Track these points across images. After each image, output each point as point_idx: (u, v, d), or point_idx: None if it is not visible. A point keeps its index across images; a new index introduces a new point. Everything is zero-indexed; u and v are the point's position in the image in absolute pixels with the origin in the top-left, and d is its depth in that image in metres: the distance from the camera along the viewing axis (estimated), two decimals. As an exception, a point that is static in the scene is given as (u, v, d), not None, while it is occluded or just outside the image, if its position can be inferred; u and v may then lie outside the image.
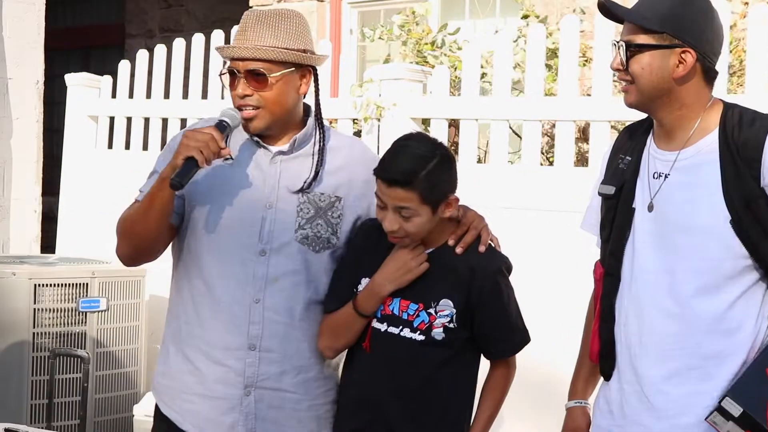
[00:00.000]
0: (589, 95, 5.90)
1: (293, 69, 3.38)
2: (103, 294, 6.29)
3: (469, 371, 3.37)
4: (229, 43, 3.41)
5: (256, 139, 3.42)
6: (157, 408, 3.56)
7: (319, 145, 3.47)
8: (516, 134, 6.27)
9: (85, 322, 6.23)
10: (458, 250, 3.30)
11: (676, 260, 3.03)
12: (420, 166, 3.16)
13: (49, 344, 6.01)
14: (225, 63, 3.43)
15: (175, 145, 3.37)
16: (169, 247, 3.54)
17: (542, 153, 6.07)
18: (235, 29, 3.44)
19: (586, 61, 6.38)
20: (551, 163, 6.05)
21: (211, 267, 3.41)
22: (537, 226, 5.41)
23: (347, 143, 3.64)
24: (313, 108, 3.53)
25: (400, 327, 3.28)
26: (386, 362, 3.29)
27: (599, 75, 5.62)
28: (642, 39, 3.01)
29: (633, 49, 3.02)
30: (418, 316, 3.27)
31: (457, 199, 3.27)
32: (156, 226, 3.35)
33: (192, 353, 3.44)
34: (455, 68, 6.66)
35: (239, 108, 3.36)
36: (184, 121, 7.46)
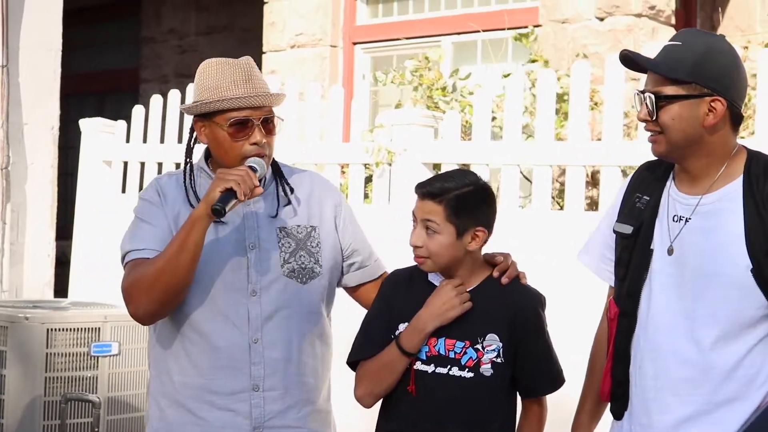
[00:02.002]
0: (599, 140, 5.90)
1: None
2: (115, 338, 6.25)
3: (512, 412, 3.36)
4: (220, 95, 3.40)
5: None
6: None
7: (278, 178, 3.51)
8: (527, 179, 6.27)
9: (97, 366, 6.19)
10: (504, 280, 3.32)
11: (696, 306, 3.03)
12: (455, 186, 3.22)
13: (61, 389, 5.98)
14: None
15: (152, 194, 3.45)
16: None
17: (553, 198, 6.07)
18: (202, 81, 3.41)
19: (594, 105, 6.38)
20: (561, 208, 6.05)
21: (204, 316, 3.40)
22: (547, 271, 5.40)
23: (306, 175, 3.67)
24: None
25: (448, 366, 3.26)
26: (435, 403, 3.27)
27: (609, 119, 5.64)
28: (671, 90, 3.00)
29: (662, 101, 3.01)
30: (465, 353, 3.26)
31: (486, 234, 3.28)
32: (189, 271, 3.29)
33: (193, 404, 3.42)
34: (465, 112, 6.67)
35: (257, 155, 3.36)
36: (196, 166, 7.45)
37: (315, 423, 3.51)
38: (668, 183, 3.18)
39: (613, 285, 3.31)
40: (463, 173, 3.38)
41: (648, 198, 3.20)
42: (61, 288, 8.48)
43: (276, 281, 3.42)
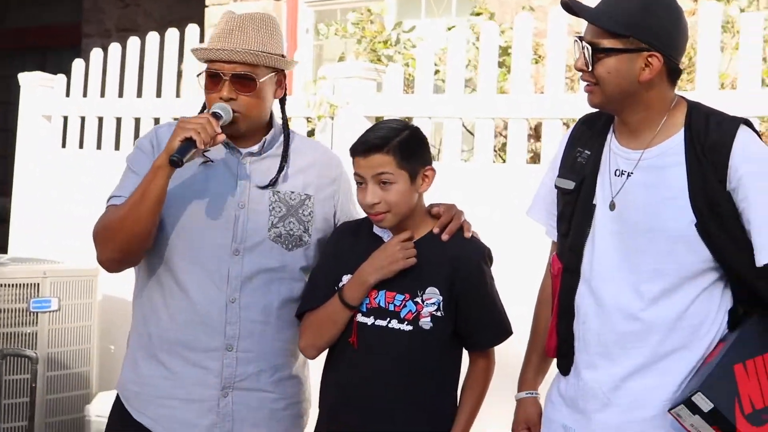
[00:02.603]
0: (542, 93, 5.86)
1: (273, 74, 3.40)
2: (54, 294, 6.23)
3: (454, 365, 3.35)
4: (198, 43, 3.38)
5: (225, 140, 3.38)
6: (123, 414, 3.49)
7: (285, 146, 3.47)
8: (469, 132, 6.23)
9: (37, 322, 6.16)
10: (444, 236, 3.30)
11: (640, 261, 3.02)
12: (394, 133, 3.22)
13: (1, 344, 5.93)
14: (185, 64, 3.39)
15: (144, 145, 3.42)
16: None
17: (496, 151, 6.03)
18: (198, 31, 3.40)
19: (538, 58, 6.34)
20: (504, 161, 6.02)
21: (185, 269, 3.39)
22: (490, 224, 5.37)
23: (311, 145, 3.67)
24: (277, 111, 3.56)
25: (388, 319, 3.26)
26: (374, 356, 3.26)
27: (552, 73, 5.59)
28: (608, 42, 2.98)
29: (599, 53, 2.98)
30: (405, 306, 3.25)
31: (434, 171, 3.29)
32: (150, 220, 3.28)
33: (166, 358, 3.40)
34: (409, 66, 6.61)
35: None
36: (138, 120, 7.38)
37: (287, 389, 3.49)
38: (609, 137, 3.16)
39: (556, 240, 3.29)
40: (390, 121, 3.40)
41: (589, 152, 3.18)
42: (1, 244, 8.37)
43: (261, 244, 3.39)
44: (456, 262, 3.27)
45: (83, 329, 6.42)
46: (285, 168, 3.44)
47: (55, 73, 8.12)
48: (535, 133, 6.24)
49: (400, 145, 3.20)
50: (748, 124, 3.05)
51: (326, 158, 3.60)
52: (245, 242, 3.38)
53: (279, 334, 3.43)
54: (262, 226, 3.40)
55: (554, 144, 5.42)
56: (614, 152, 3.12)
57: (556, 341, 3.22)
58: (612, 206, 3.07)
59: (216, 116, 3.26)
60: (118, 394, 3.54)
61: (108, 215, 3.37)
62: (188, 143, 3.17)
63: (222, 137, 3.24)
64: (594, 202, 3.12)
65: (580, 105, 5.34)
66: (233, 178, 3.42)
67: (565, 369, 3.21)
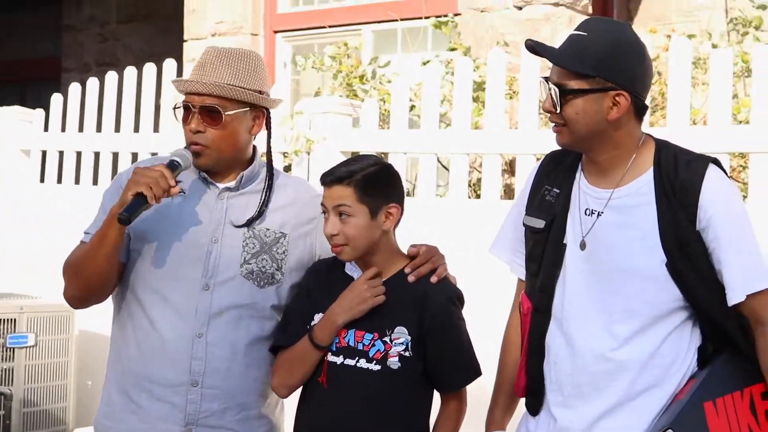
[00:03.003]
0: (516, 128, 5.87)
1: (247, 109, 3.38)
2: (31, 329, 6.20)
3: (424, 406, 3.33)
4: (177, 77, 3.39)
5: (203, 175, 3.40)
6: None
7: (266, 183, 3.45)
8: (444, 167, 6.23)
9: (13, 358, 6.13)
10: (410, 278, 3.28)
11: (612, 301, 3.02)
12: (359, 168, 3.21)
13: (-25, 380, 5.90)
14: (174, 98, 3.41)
15: (123, 182, 3.35)
16: None
17: (470, 186, 6.03)
18: (178, 67, 3.43)
19: (513, 94, 6.35)
20: (479, 196, 6.01)
21: (154, 303, 3.37)
22: (465, 260, 5.36)
23: (294, 182, 3.65)
24: (261, 148, 3.53)
25: (356, 358, 3.24)
26: (343, 396, 3.24)
27: (525, 108, 5.60)
28: (575, 83, 2.97)
29: (567, 94, 2.98)
30: (373, 345, 3.23)
31: (398, 209, 3.28)
32: (106, 265, 3.30)
33: (134, 392, 3.38)
34: (384, 101, 6.62)
35: (190, 143, 3.34)
36: (116, 155, 7.36)
37: (254, 429, 3.44)
38: (578, 175, 3.16)
39: (523, 279, 3.28)
40: (364, 156, 3.37)
41: (558, 190, 3.17)
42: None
43: (232, 279, 3.37)
44: (425, 302, 3.25)
45: (60, 365, 6.39)
46: (264, 207, 3.43)
47: (35, 107, 8.10)
48: (510, 168, 6.25)
49: (363, 180, 3.19)
50: (716, 163, 3.06)
51: (308, 197, 3.56)
52: (216, 277, 3.36)
53: (247, 372, 3.39)
54: (235, 262, 3.38)
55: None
56: (584, 191, 3.12)
57: (526, 381, 3.20)
58: (582, 245, 3.07)
59: (173, 165, 3.26)
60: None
61: (74, 253, 3.39)
62: (139, 198, 3.17)
63: (176, 190, 3.23)
64: (564, 242, 3.12)
65: (554, 141, 5.35)
66: (209, 213, 3.40)
67: (534, 409, 3.19)
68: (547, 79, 3.04)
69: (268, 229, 3.43)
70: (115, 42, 11.71)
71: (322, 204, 3.25)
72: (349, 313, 3.23)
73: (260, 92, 3.40)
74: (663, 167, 3.02)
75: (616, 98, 2.97)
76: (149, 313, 3.36)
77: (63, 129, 7.75)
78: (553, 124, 3.06)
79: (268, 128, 3.52)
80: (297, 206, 3.51)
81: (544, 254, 3.16)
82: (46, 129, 7.87)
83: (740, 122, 5.47)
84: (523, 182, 5.41)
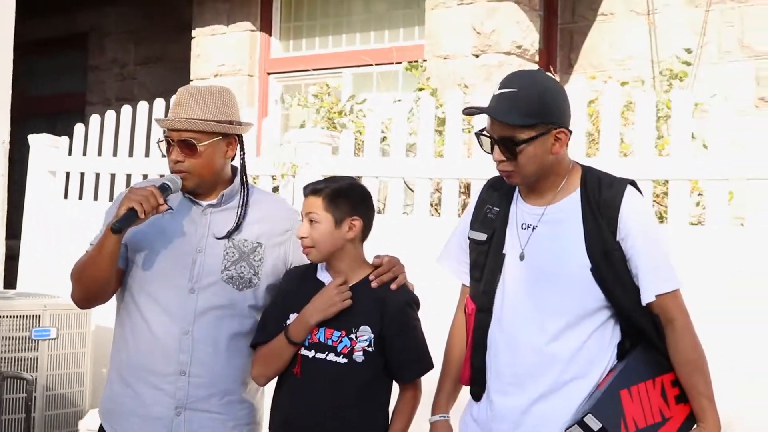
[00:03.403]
0: (471, 157, 5.85)
1: (220, 138, 3.37)
2: (53, 324, 6.15)
3: (385, 395, 3.31)
4: (168, 113, 3.39)
5: (188, 195, 3.42)
6: (101, 429, 3.48)
7: (243, 200, 3.44)
8: (410, 189, 6.20)
9: (38, 348, 6.08)
10: (373, 284, 3.27)
11: (544, 301, 3.01)
12: (333, 183, 3.25)
13: (4, 368, 5.84)
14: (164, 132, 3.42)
15: (117, 198, 3.42)
16: None
17: (432, 206, 6.00)
18: (173, 100, 3.41)
19: (470, 128, 6.32)
20: (439, 214, 5.99)
21: (148, 305, 3.37)
22: (427, 269, 5.33)
23: (270, 199, 3.65)
24: (239, 168, 3.52)
25: (326, 352, 3.22)
26: (314, 385, 3.21)
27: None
28: (524, 134, 2.94)
29: (519, 145, 2.94)
30: (341, 341, 3.21)
31: (360, 221, 3.26)
32: (104, 271, 3.28)
33: (133, 380, 3.38)
34: (360, 133, 6.60)
35: (173, 171, 3.36)
36: (129, 176, 7.31)
37: (236, 412, 3.42)
38: (515, 196, 3.16)
39: (467, 284, 3.27)
40: (343, 177, 3.37)
41: (498, 209, 3.16)
42: (10, 281, 8.26)
43: (214, 284, 3.36)
44: (385, 305, 3.25)
45: (78, 355, 6.35)
46: (241, 220, 3.42)
47: (64, 135, 8.05)
48: (467, 191, 6.22)
49: (331, 192, 3.22)
50: (633, 184, 3.08)
51: (281, 211, 3.56)
52: (200, 282, 3.36)
53: (229, 363, 3.38)
54: (216, 269, 3.38)
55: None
56: (520, 209, 3.12)
57: (470, 372, 3.18)
58: (522, 257, 3.06)
59: (163, 187, 3.28)
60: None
61: (79, 260, 3.39)
62: (131, 212, 3.18)
63: (164, 208, 3.24)
64: (504, 252, 3.11)
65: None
66: (194, 228, 3.41)
67: (477, 396, 3.18)
68: (483, 133, 3.03)
69: (246, 240, 3.42)
70: (132, 80, 11.66)
71: (300, 212, 3.28)
72: (321, 314, 3.22)
73: (230, 122, 3.39)
74: (588, 187, 3.04)
75: (558, 135, 2.98)
76: (144, 314, 3.37)
77: (84, 153, 7.70)
78: (503, 171, 3.04)
79: (242, 151, 3.51)
80: (272, 220, 3.50)
81: (486, 262, 3.15)
82: (70, 153, 7.82)
83: (661, 155, 5.47)
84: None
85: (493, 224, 3.15)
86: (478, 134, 3.06)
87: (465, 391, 3.28)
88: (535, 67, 7.80)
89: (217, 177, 3.42)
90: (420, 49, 8.06)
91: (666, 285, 3.01)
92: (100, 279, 3.30)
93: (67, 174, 7.83)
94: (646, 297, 2.99)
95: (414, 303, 3.32)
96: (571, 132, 3.03)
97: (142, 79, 11.57)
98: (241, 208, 3.43)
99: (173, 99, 3.42)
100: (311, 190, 3.24)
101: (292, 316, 3.27)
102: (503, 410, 3.07)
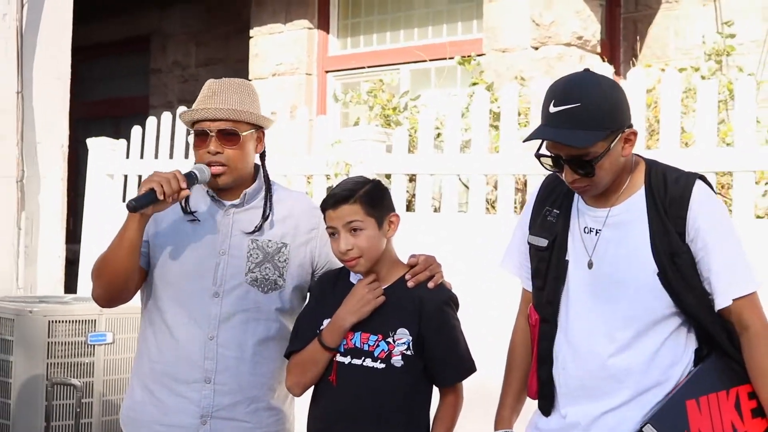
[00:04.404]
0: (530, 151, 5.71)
1: (253, 130, 3.29)
2: (109, 329, 6.12)
3: (425, 400, 3.16)
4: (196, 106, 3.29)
5: (211, 194, 3.30)
6: None
7: (267, 199, 3.34)
8: (465, 186, 6.09)
9: (94, 353, 6.05)
10: (409, 283, 3.13)
11: (612, 310, 2.83)
12: (358, 186, 3.09)
13: (62, 373, 5.84)
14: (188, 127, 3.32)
15: None
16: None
17: (488, 202, 5.88)
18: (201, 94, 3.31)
19: (527, 122, 6.18)
20: (496, 211, 5.86)
21: (171, 310, 3.27)
22: (484, 270, 5.21)
23: (293, 196, 3.50)
24: (261, 166, 3.42)
25: (363, 358, 3.08)
26: (351, 392, 3.08)
27: (536, 134, 5.43)
28: (597, 149, 2.72)
29: (597, 161, 2.74)
30: (378, 346, 3.08)
31: (398, 217, 3.14)
32: (125, 262, 3.16)
33: (156, 387, 3.28)
34: (414, 129, 6.49)
35: (209, 164, 3.23)
36: (186, 178, 7.29)
37: (263, 420, 3.31)
38: (575, 197, 2.96)
39: (529, 289, 3.10)
40: (352, 178, 3.21)
41: (558, 211, 2.98)
42: (70, 285, 8.31)
43: (238, 287, 3.25)
44: (422, 305, 3.10)
45: (133, 360, 6.30)
46: (266, 219, 3.32)
47: (127, 138, 8.08)
48: (523, 187, 6.09)
49: (365, 195, 3.06)
50: (702, 179, 2.87)
51: (305, 209, 3.43)
52: (224, 285, 3.25)
53: (255, 369, 3.28)
54: (240, 271, 3.27)
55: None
56: (582, 211, 2.92)
57: (537, 385, 3.02)
58: (590, 265, 2.88)
59: (189, 175, 3.16)
60: None
61: (100, 255, 3.28)
62: (150, 193, 3.05)
63: (186, 192, 3.12)
64: (567, 258, 2.93)
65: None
66: (217, 229, 3.30)
67: (546, 410, 3.01)
68: (561, 157, 2.78)
69: (270, 240, 3.31)
70: (194, 82, 11.68)
71: (329, 226, 3.10)
72: (356, 315, 3.08)
73: (261, 115, 3.32)
74: (653, 185, 2.84)
75: (627, 137, 2.79)
76: (167, 320, 3.28)
77: (142, 156, 7.72)
78: (578, 187, 2.83)
79: (264, 147, 3.41)
80: (296, 218, 3.38)
81: (548, 270, 2.97)
82: (127, 156, 7.84)
83: (727, 144, 5.28)
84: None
85: (554, 228, 2.96)
86: (539, 156, 2.85)
87: (528, 403, 3.14)
88: (598, 59, 7.62)
89: (247, 172, 3.32)
90: (478, 43, 7.94)
91: (742, 288, 2.78)
92: (120, 271, 3.18)
93: (125, 177, 7.85)
94: (721, 301, 2.77)
95: (453, 302, 3.17)
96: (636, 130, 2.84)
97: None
98: (268, 208, 3.33)
99: (202, 92, 3.31)
100: (340, 198, 3.07)
101: (326, 322, 3.14)
102: (573, 420, 2.90)
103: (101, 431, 6.09)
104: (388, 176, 6.09)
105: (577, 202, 2.95)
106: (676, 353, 2.84)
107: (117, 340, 6.17)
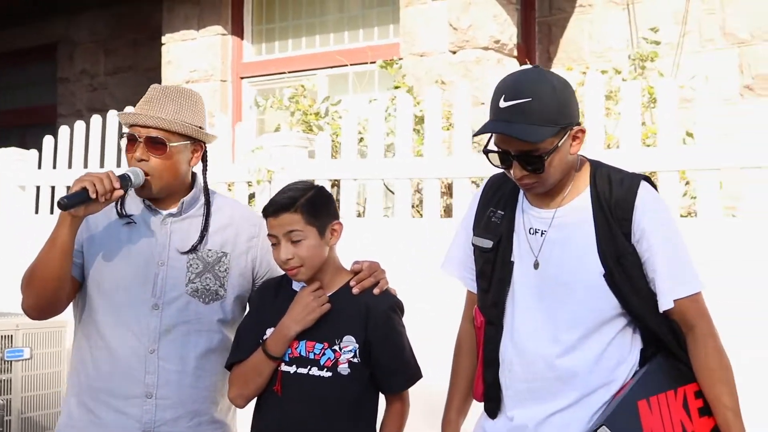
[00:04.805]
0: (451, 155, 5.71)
1: (188, 142, 3.19)
2: (26, 344, 5.94)
3: (372, 408, 3.10)
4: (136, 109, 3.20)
5: (148, 203, 3.20)
6: None
7: (205, 209, 3.25)
8: (390, 191, 6.06)
9: (11, 370, 5.87)
10: (354, 290, 3.07)
11: (558, 312, 2.80)
12: (300, 194, 3.00)
13: (-24, 391, 5.65)
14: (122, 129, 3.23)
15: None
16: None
17: (413, 207, 5.86)
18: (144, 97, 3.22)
19: (450, 125, 6.19)
20: (421, 216, 5.85)
21: (108, 323, 3.15)
22: (409, 274, 5.19)
23: (231, 204, 3.41)
24: (199, 176, 3.32)
25: (308, 366, 3.01)
26: (297, 402, 3.01)
27: (460, 137, 5.45)
28: (547, 145, 2.69)
29: (546, 157, 2.69)
30: (324, 354, 3.01)
31: (341, 226, 3.08)
32: (58, 267, 3.03)
33: (94, 404, 3.16)
34: (337, 135, 6.45)
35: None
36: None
37: None
38: (520, 197, 2.93)
39: (474, 291, 3.06)
40: (296, 183, 3.12)
41: (502, 212, 2.94)
42: (-18, 300, 8.08)
43: (178, 298, 3.16)
44: (368, 311, 3.04)
45: (53, 375, 6.14)
46: (205, 232, 3.23)
47: (34, 148, 7.88)
48: (448, 191, 6.08)
49: (306, 204, 2.99)
50: (647, 180, 2.86)
51: (245, 217, 3.35)
52: (164, 297, 3.15)
53: (198, 382, 3.19)
54: (180, 282, 3.17)
55: (464, 199, 5.28)
56: (527, 212, 2.89)
57: (483, 388, 2.98)
58: (536, 265, 2.85)
59: (123, 177, 3.06)
60: None
61: (30, 264, 3.15)
62: (82, 191, 2.94)
63: (119, 193, 3.01)
64: (512, 259, 2.89)
65: (486, 165, 5.23)
66: (154, 239, 3.20)
67: (492, 413, 2.97)
68: (492, 149, 2.77)
69: (210, 250, 3.23)
70: (103, 90, 11.47)
71: (270, 234, 3.03)
72: (301, 324, 3.02)
73: (200, 127, 3.22)
74: (599, 186, 2.81)
75: (576, 134, 2.75)
76: (103, 333, 3.16)
77: (54, 166, 7.53)
78: (525, 184, 2.79)
79: (205, 161, 3.31)
80: (235, 227, 3.30)
81: (493, 272, 2.93)
82: (39, 166, 7.65)
83: (648, 146, 5.34)
84: (459, 202, 5.30)
85: (499, 230, 2.93)
86: (487, 152, 2.81)
87: (474, 404, 3.11)
88: (515, 62, 7.67)
89: (177, 183, 3.21)
90: (395, 48, 7.92)
91: (686, 288, 2.78)
92: (52, 278, 3.05)
93: (38, 188, 7.66)
94: (665, 303, 2.77)
95: (399, 308, 3.12)
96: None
97: (113, 89, 11.39)
98: (205, 219, 3.24)
99: (145, 96, 3.23)
100: (281, 206, 2.99)
101: (269, 331, 3.06)
102: (521, 422, 2.87)
103: (20, 449, 5.93)
104: (311, 181, 6.03)
105: (522, 202, 2.92)
106: (621, 354, 2.83)
107: (35, 356, 6.01)
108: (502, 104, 2.72)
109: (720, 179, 4.69)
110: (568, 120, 2.74)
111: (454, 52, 7.53)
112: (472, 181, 5.48)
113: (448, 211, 6.10)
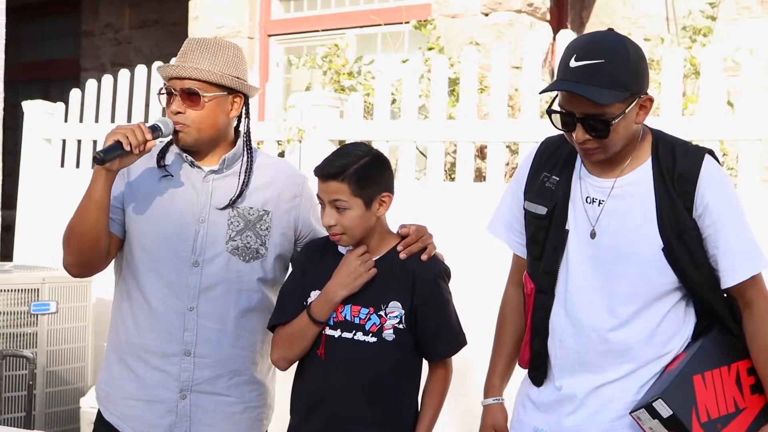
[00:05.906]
0: (486, 119, 5.66)
1: (225, 93, 3.14)
2: (53, 298, 5.96)
3: (415, 374, 3.08)
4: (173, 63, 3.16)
5: (189, 159, 3.17)
6: (99, 413, 3.25)
7: (246, 165, 3.20)
8: (422, 154, 6.01)
9: (37, 323, 5.89)
10: (402, 255, 3.02)
11: (614, 284, 2.76)
12: (351, 162, 2.92)
13: (3, 344, 5.67)
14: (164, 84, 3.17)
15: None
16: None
17: (445, 171, 5.82)
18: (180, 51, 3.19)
19: (483, 88, 6.12)
20: (453, 180, 5.80)
21: (148, 279, 3.13)
22: (440, 236, 5.15)
23: (275, 162, 3.38)
24: (242, 131, 3.27)
25: (354, 331, 2.98)
26: (341, 367, 2.98)
27: (495, 101, 5.39)
28: (615, 110, 2.63)
29: (612, 123, 2.63)
30: (369, 319, 2.98)
31: (390, 196, 3.01)
32: (95, 223, 3.02)
33: (132, 361, 3.15)
34: (369, 95, 6.39)
35: (176, 122, 3.11)
36: (128, 143, 7.12)
37: (245, 394, 3.21)
38: (577, 164, 2.86)
39: (521, 255, 3.01)
40: (355, 146, 3.05)
41: (557, 178, 2.87)
42: (6, 253, 8.10)
43: (219, 256, 3.13)
44: (415, 277, 3.00)
45: (79, 329, 6.17)
46: (245, 187, 3.19)
47: (57, 101, 7.85)
48: (481, 155, 6.03)
49: (355, 174, 2.91)
50: (711, 153, 2.80)
51: (288, 176, 3.31)
52: (204, 254, 3.13)
53: (237, 341, 3.17)
54: (220, 240, 3.14)
55: (497, 164, 5.24)
56: (584, 180, 2.83)
57: (530, 356, 2.95)
58: (593, 234, 2.79)
59: (153, 127, 3.04)
60: None
61: (69, 221, 3.13)
62: (116, 144, 2.94)
63: (152, 144, 3.00)
64: (567, 228, 2.84)
65: (520, 129, 5.20)
66: (195, 195, 3.17)
67: (538, 381, 2.94)
68: (557, 110, 2.70)
69: (251, 208, 3.19)
70: (127, 45, 11.41)
71: (317, 195, 3.00)
72: (347, 288, 2.98)
73: (237, 78, 3.16)
74: (661, 157, 2.75)
75: (643, 103, 2.69)
76: (144, 290, 3.14)
77: (81, 120, 7.51)
78: (587, 149, 2.73)
79: (247, 114, 3.27)
80: (278, 185, 3.25)
81: (546, 239, 2.87)
82: (65, 120, 7.62)
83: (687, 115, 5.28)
84: (492, 166, 5.25)
85: (554, 196, 2.86)
86: (551, 112, 2.74)
87: (517, 370, 3.08)
88: (547, 26, 7.59)
89: (217, 136, 3.17)
90: (427, 9, 7.83)
91: (751, 268, 2.73)
92: (89, 235, 3.04)
93: (64, 142, 7.63)
94: (728, 281, 2.72)
95: (446, 274, 3.08)
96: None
97: (138, 44, 11.32)
98: (245, 174, 3.19)
99: (182, 48, 3.18)
100: (329, 174, 2.93)
101: (314, 294, 3.04)
102: (569, 392, 2.84)
103: (46, 403, 5.96)
104: (341, 143, 5.98)
105: (579, 169, 2.86)
106: (675, 327, 2.79)
107: (61, 310, 6.03)
108: (573, 64, 2.66)
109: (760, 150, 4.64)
110: (639, 87, 2.67)
111: (487, 14, 7.46)
112: (506, 146, 5.43)
113: (479, 176, 6.06)
